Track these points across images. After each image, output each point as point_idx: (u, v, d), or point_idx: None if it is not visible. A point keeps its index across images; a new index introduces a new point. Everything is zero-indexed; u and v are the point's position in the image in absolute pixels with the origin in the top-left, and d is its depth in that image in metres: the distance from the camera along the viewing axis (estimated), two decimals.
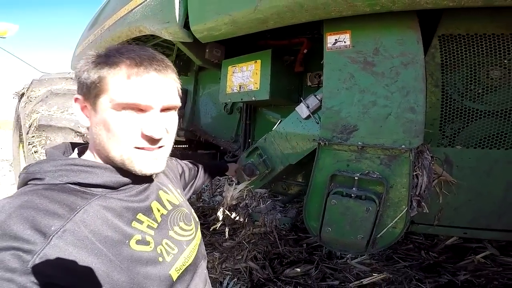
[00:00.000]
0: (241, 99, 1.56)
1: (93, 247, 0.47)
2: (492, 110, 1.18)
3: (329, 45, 1.26)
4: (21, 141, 2.01)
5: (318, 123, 1.37)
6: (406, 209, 1.13)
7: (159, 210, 0.63)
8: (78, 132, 1.43)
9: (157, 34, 1.63)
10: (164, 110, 0.60)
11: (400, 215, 1.14)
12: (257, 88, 1.49)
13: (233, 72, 1.61)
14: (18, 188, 0.54)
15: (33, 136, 1.42)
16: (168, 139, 0.62)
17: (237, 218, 1.29)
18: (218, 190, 1.40)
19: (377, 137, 1.16)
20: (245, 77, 1.55)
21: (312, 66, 1.58)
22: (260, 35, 1.56)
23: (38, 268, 0.41)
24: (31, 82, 1.71)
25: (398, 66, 1.16)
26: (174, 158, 1.05)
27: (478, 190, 1.20)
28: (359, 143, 1.17)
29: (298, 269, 1.23)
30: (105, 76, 0.55)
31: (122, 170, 0.58)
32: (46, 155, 0.61)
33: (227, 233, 1.35)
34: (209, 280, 0.78)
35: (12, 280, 0.39)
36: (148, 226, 0.58)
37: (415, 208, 1.14)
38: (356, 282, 1.19)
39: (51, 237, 0.43)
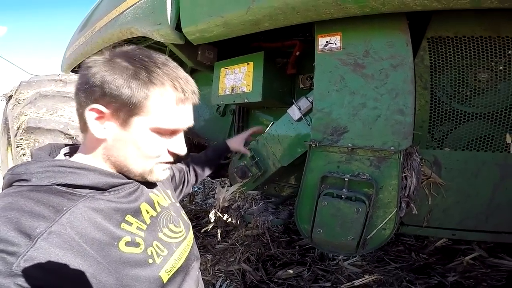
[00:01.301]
0: (234, 101, 1.56)
1: (80, 249, 0.46)
2: (480, 112, 1.19)
3: (320, 47, 1.27)
4: (9, 144, 1.98)
5: (309, 125, 1.38)
6: (395, 210, 1.14)
7: (148, 212, 0.63)
8: (67, 134, 1.42)
9: (149, 35, 1.62)
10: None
11: (390, 216, 1.14)
12: (249, 90, 1.49)
13: (226, 74, 1.61)
14: (3, 189, 0.53)
15: (21, 139, 1.40)
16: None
17: (229, 220, 1.29)
18: (212, 192, 1.40)
19: (366, 138, 1.17)
20: (238, 79, 1.55)
21: (304, 68, 1.59)
22: (253, 37, 1.56)
23: (23, 270, 0.40)
24: (20, 84, 1.69)
25: (388, 68, 1.17)
26: None
27: (466, 191, 1.21)
28: (349, 144, 1.18)
29: (291, 271, 1.24)
30: (149, 99, 0.54)
31: (112, 172, 0.58)
32: (31, 157, 0.60)
33: (219, 235, 1.34)
34: (202, 282, 0.77)
35: None
36: (138, 228, 0.57)
37: (404, 210, 1.15)
38: (347, 284, 1.20)
39: (36, 239, 0.43)
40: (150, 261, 0.56)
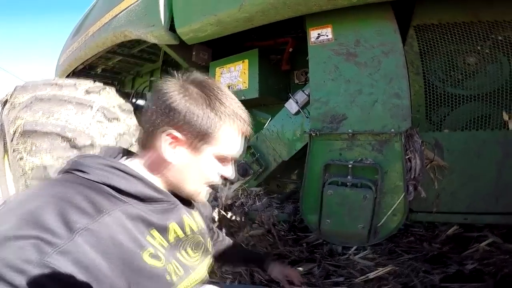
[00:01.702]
0: None
1: (108, 251, 0.47)
2: (473, 94, 1.21)
3: (312, 39, 1.30)
4: (5, 151, 1.90)
5: (308, 118, 1.37)
6: (403, 194, 1.10)
7: (175, 232, 0.64)
8: (64, 137, 1.36)
9: (143, 38, 1.64)
10: None
11: (399, 201, 1.11)
12: (246, 87, 1.49)
13: (221, 73, 1.62)
14: (62, 172, 0.57)
15: (17, 143, 1.34)
16: None
17: (234, 217, 1.22)
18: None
19: (366, 123, 1.17)
20: (233, 77, 1.56)
21: (298, 64, 1.62)
22: (245, 36, 1.59)
23: (54, 262, 0.41)
24: (15, 89, 1.65)
25: (379, 55, 1.20)
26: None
27: (470, 172, 1.19)
28: (349, 130, 1.17)
29: (301, 268, 1.15)
30: (221, 130, 0.60)
31: (157, 187, 0.61)
32: (100, 152, 0.64)
33: (224, 234, 1.27)
34: None
35: (24, 272, 0.39)
36: (160, 244, 0.58)
37: (412, 193, 1.12)
38: (362, 277, 1.12)
39: (75, 233, 0.44)
40: (168, 277, 0.57)
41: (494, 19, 1.12)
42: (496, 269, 1.19)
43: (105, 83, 1.82)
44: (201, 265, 0.70)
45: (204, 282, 0.72)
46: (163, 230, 0.60)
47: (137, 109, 1.73)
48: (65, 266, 0.41)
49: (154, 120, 0.58)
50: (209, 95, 0.59)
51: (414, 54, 1.26)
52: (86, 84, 1.74)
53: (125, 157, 0.66)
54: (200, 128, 0.57)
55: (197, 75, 0.63)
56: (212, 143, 0.59)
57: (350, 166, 1.14)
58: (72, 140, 1.34)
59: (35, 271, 0.39)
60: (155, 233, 0.58)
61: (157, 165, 0.62)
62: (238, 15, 1.29)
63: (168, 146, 0.58)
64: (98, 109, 1.54)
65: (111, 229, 0.49)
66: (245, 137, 0.65)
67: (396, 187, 1.11)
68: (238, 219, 1.23)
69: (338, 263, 1.23)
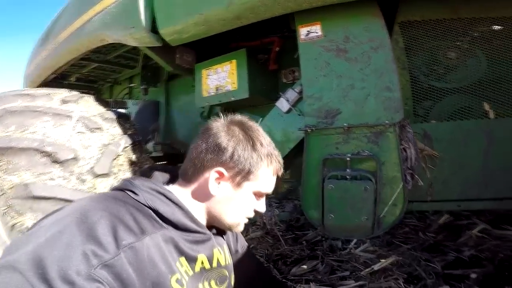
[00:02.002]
0: (220, 101, 1.51)
1: (144, 271, 0.51)
2: (455, 87, 1.28)
3: (302, 36, 1.31)
4: None
5: (299, 115, 1.36)
6: (402, 184, 1.12)
7: (203, 263, 0.66)
8: (44, 152, 1.22)
9: (122, 41, 1.55)
10: None
11: (398, 190, 1.12)
12: (235, 88, 1.46)
13: (208, 75, 1.57)
14: (115, 189, 0.62)
15: None
16: None
17: None
18: None
19: (360, 117, 1.18)
20: (221, 78, 1.52)
21: (285, 63, 1.62)
22: (230, 37, 1.57)
23: (98, 274, 0.44)
24: None
25: (369, 50, 1.23)
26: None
27: (459, 161, 1.25)
28: (345, 124, 1.18)
29: (305, 266, 1.12)
30: (261, 169, 0.66)
31: (195, 219, 0.64)
32: (153, 176, 0.68)
33: None
34: None
35: (71, 283, 0.42)
36: (185, 272, 0.61)
37: (410, 182, 1.14)
38: (367, 270, 1.11)
39: (121, 249, 0.48)
40: None
41: (472, 16, 1.20)
42: (492, 255, 1.25)
43: (81, 93, 1.68)
44: None
45: None
46: (191, 260, 0.63)
47: (119, 117, 1.61)
48: (107, 279, 0.45)
49: (204, 157, 0.65)
50: (251, 136, 0.66)
51: (400, 50, 1.31)
52: (62, 93, 1.59)
53: (171, 183, 0.71)
54: (244, 166, 0.64)
55: (238, 117, 0.71)
56: (252, 180, 0.65)
57: (348, 159, 1.14)
58: (52, 154, 1.22)
59: (82, 281, 0.42)
60: (183, 261, 0.61)
61: (200, 197, 0.67)
62: (226, 13, 1.27)
63: (214, 181, 0.64)
64: (78, 120, 1.41)
65: (150, 250, 0.53)
66: (277, 176, 0.71)
67: (394, 177, 1.12)
68: None
69: (341, 258, 1.22)
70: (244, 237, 1.41)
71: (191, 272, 0.63)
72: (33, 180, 1.16)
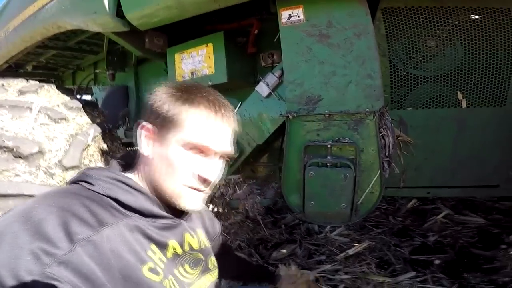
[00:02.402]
0: None
1: (108, 263, 0.48)
2: (432, 75, 1.31)
3: (283, 20, 1.25)
4: None
5: (279, 100, 1.34)
6: (379, 171, 1.14)
7: (174, 249, 0.63)
8: (4, 146, 1.11)
9: (83, 27, 1.43)
10: (221, 156, 0.63)
11: (375, 178, 1.15)
12: (212, 72, 1.40)
13: (182, 59, 1.48)
14: (70, 183, 0.59)
15: None
16: (213, 184, 0.64)
17: (216, 209, 1.14)
18: None
19: (341, 104, 1.18)
20: (197, 63, 1.45)
21: (264, 47, 1.57)
22: (206, 20, 1.48)
23: (55, 272, 0.42)
24: None
25: (352, 37, 1.21)
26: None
27: (431, 147, 1.30)
28: (326, 111, 1.17)
29: (284, 250, 1.15)
30: (184, 114, 0.57)
31: (160, 203, 0.61)
32: (109, 164, 0.65)
33: None
34: None
35: (26, 284, 0.40)
36: (160, 259, 0.59)
37: (387, 170, 1.17)
38: (342, 254, 1.16)
39: (75, 244, 0.45)
40: None
41: (455, 5, 1.21)
42: (454, 241, 1.36)
43: (40, 81, 1.55)
44: (199, 282, 0.69)
45: None
46: (162, 246, 0.60)
47: (86, 106, 1.51)
48: (66, 276, 0.42)
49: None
50: (180, 89, 0.60)
51: (381, 37, 1.30)
52: (17, 83, 1.46)
53: (131, 169, 0.65)
54: (164, 115, 0.57)
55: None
56: (177, 131, 0.57)
57: (329, 146, 1.14)
58: (14, 149, 1.10)
59: (37, 281, 0.41)
60: (154, 248, 0.58)
61: (141, 165, 0.62)
62: None
63: (144, 139, 0.59)
64: (39, 111, 1.29)
65: (112, 241, 0.50)
66: (226, 129, 0.61)
67: (373, 164, 1.15)
68: (220, 210, 1.16)
69: (318, 241, 1.27)
70: (225, 222, 1.42)
71: (164, 259, 0.60)
72: None
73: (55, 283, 0.42)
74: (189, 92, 0.59)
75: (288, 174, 1.19)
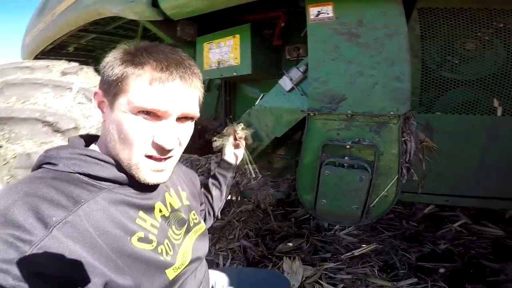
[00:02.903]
0: (221, 75, 1.49)
1: (92, 242, 0.46)
2: (468, 79, 1.24)
3: (312, 17, 1.24)
4: None
5: (302, 95, 1.35)
6: (397, 176, 1.14)
7: (161, 211, 0.63)
8: (45, 121, 1.26)
9: (121, 15, 1.51)
10: (180, 119, 0.57)
11: (392, 183, 1.14)
12: (237, 63, 1.43)
13: (210, 49, 1.53)
14: (33, 169, 0.55)
15: None
16: (179, 150, 0.60)
17: (229, 197, 1.21)
18: (200, 170, 1.32)
19: (365, 105, 1.16)
20: (224, 53, 1.48)
21: (290, 40, 1.57)
22: (235, 10, 1.51)
23: (34, 258, 0.40)
24: None
25: (383, 37, 1.17)
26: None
27: (457, 155, 1.25)
28: (348, 111, 1.17)
29: (290, 244, 1.20)
30: (128, 76, 0.53)
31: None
32: (68, 142, 0.60)
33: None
34: (207, 274, 0.78)
35: (8, 272, 0.38)
36: (152, 225, 0.58)
37: (406, 176, 1.16)
38: (347, 254, 1.19)
39: (51, 228, 0.43)
40: (161, 258, 0.57)
41: (502, 7, 1.13)
42: (465, 250, 1.32)
43: (79, 62, 1.69)
44: (184, 243, 0.68)
45: (201, 258, 0.73)
46: (149, 211, 0.59)
47: None
48: (47, 262, 0.40)
49: None
50: (127, 48, 0.56)
51: (415, 37, 1.25)
52: (61, 65, 1.62)
53: (94, 143, 0.62)
54: (111, 79, 0.53)
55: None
56: (123, 95, 0.52)
57: (348, 146, 1.15)
58: (53, 124, 1.25)
59: (18, 269, 0.39)
60: (143, 215, 0.57)
61: (103, 135, 0.58)
62: None
63: (96, 106, 0.58)
64: (78, 91, 1.43)
65: (92, 218, 0.48)
66: (174, 88, 0.53)
67: (391, 169, 1.14)
68: (233, 198, 1.22)
69: (325, 238, 1.30)
70: (236, 209, 1.49)
71: (157, 224, 0.59)
72: (35, 150, 1.20)
73: (35, 269, 0.40)
74: (136, 53, 0.54)
75: (304, 170, 1.21)
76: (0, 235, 0.40)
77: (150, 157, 0.54)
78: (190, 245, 0.69)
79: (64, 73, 1.55)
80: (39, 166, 0.54)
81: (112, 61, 0.55)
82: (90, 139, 0.63)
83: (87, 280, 0.44)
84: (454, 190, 1.29)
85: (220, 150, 1.09)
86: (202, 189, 1.02)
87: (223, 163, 1.07)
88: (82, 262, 0.43)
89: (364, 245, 1.27)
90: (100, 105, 0.58)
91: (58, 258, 0.41)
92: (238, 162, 1.11)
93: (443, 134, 1.25)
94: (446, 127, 1.25)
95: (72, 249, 0.43)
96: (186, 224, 0.70)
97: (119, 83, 0.53)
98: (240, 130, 1.04)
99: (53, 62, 1.67)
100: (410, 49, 1.24)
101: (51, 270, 0.41)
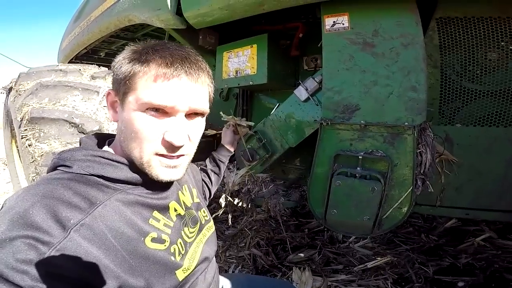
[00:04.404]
0: (238, 84, 1.53)
1: (108, 244, 0.47)
2: (490, 90, 1.19)
3: (327, 27, 1.25)
4: (13, 136, 1.93)
5: (317, 105, 1.36)
6: (411, 188, 1.11)
7: (176, 210, 0.63)
8: (72, 123, 1.37)
9: (148, 22, 1.59)
10: (190, 115, 0.57)
11: (406, 194, 1.12)
12: (254, 72, 1.47)
13: (229, 58, 1.58)
14: (48, 171, 0.55)
15: (25, 130, 1.36)
16: (191, 147, 0.60)
17: (240, 204, 1.24)
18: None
19: (379, 115, 1.15)
20: (241, 62, 1.53)
21: (308, 50, 1.58)
22: (254, 20, 1.55)
23: (53, 260, 0.41)
24: (19, 76, 1.66)
25: (398, 47, 1.16)
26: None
27: (478, 168, 1.20)
28: (362, 122, 1.16)
29: (302, 254, 1.20)
30: (135, 74, 0.54)
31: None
32: (80, 144, 0.61)
33: (230, 220, 1.29)
34: (217, 276, 0.77)
35: (26, 272, 0.39)
36: (165, 225, 0.58)
37: (420, 187, 1.12)
38: (360, 266, 1.16)
39: (69, 230, 0.43)
40: (172, 258, 0.57)
41: None
42: (487, 264, 1.24)
43: (109, 67, 1.82)
44: (196, 240, 0.68)
45: (209, 258, 0.72)
46: (164, 210, 0.59)
47: None
48: (65, 264, 0.41)
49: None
50: (135, 47, 0.57)
51: (434, 47, 1.22)
52: (91, 69, 1.74)
53: (106, 143, 0.64)
54: (120, 78, 0.54)
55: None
56: (132, 93, 0.53)
57: (360, 157, 1.14)
58: (79, 126, 1.35)
59: (36, 270, 0.39)
60: (157, 214, 0.57)
61: (117, 136, 0.59)
62: None
63: (110, 106, 0.58)
64: (104, 95, 1.54)
65: (107, 219, 0.48)
66: (181, 84, 0.54)
67: (405, 181, 1.11)
68: (244, 205, 1.25)
69: (338, 250, 1.27)
70: (248, 218, 1.51)
71: (171, 223, 0.59)
72: (61, 150, 1.30)
73: (54, 270, 0.40)
74: (143, 51, 0.55)
75: (315, 179, 1.22)
76: (20, 236, 0.40)
77: (161, 155, 0.55)
78: (201, 244, 0.69)
79: (93, 77, 1.66)
80: (54, 168, 0.54)
81: (121, 60, 0.56)
82: (102, 138, 0.64)
83: (102, 282, 0.45)
84: (475, 204, 1.23)
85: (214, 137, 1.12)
86: (202, 175, 1.07)
87: (222, 150, 1.18)
88: (97, 263, 0.44)
89: (379, 258, 1.24)
90: (112, 105, 0.59)
91: (75, 260, 0.42)
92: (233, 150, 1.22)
93: (464, 147, 1.20)
94: (467, 140, 1.20)
95: (88, 251, 0.44)
96: (199, 222, 0.71)
97: (127, 81, 0.53)
98: (240, 120, 1.10)
99: (85, 66, 1.80)
100: (428, 59, 1.22)
101: (68, 271, 0.42)
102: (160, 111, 0.53)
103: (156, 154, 0.54)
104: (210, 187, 1.09)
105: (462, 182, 1.22)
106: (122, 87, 0.55)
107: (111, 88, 0.58)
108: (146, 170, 0.56)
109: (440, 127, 1.22)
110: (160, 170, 0.56)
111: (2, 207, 0.47)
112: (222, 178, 1.15)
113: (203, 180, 1.06)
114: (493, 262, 1.25)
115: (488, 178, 1.20)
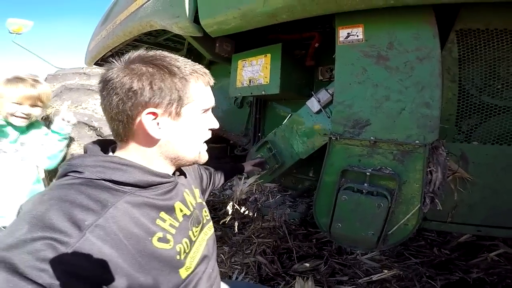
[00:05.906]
0: (251, 93, 1.55)
1: (119, 243, 0.50)
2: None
3: (341, 38, 1.24)
4: None
5: (329, 118, 1.36)
6: (418, 205, 1.11)
7: (182, 210, 0.67)
8: (91, 126, 1.47)
9: (168, 28, 1.64)
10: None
11: (413, 211, 1.11)
12: (267, 82, 1.48)
13: (243, 66, 1.60)
14: (58, 178, 0.58)
15: None
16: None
17: (246, 212, 1.29)
18: (228, 183, 1.41)
19: (390, 132, 1.14)
20: (255, 71, 1.55)
21: (323, 60, 1.56)
22: (270, 29, 1.55)
23: (70, 259, 0.43)
24: (46, 78, 1.79)
25: (413, 60, 1.13)
26: None
27: (494, 187, 1.16)
28: (372, 138, 1.16)
29: (307, 264, 1.23)
30: (189, 88, 0.62)
31: (153, 171, 0.62)
32: (86, 151, 0.64)
33: (236, 227, 1.35)
34: (218, 278, 0.80)
35: (45, 270, 0.42)
36: (170, 225, 0.61)
37: (428, 205, 1.12)
38: (365, 278, 1.18)
39: (85, 231, 0.46)
40: (177, 257, 0.60)
41: None
42: (499, 279, 1.21)
43: None
44: (199, 239, 0.72)
45: (209, 257, 0.76)
46: (170, 211, 0.63)
47: None
48: (81, 263, 0.44)
49: (124, 109, 0.58)
50: (161, 65, 0.60)
51: (452, 60, 1.17)
52: None
53: (111, 150, 0.67)
54: (172, 95, 0.59)
55: (134, 53, 0.63)
56: (188, 103, 0.63)
57: (368, 174, 1.14)
58: (98, 129, 1.44)
59: (54, 269, 0.42)
60: (163, 215, 0.61)
61: (149, 145, 0.62)
62: (261, 9, 1.24)
63: (151, 123, 0.59)
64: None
65: (118, 221, 0.52)
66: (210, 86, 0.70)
67: (413, 198, 1.11)
68: (250, 214, 1.30)
69: (345, 262, 1.29)
70: (256, 225, 1.56)
71: (176, 223, 0.63)
72: (79, 151, 1.41)
73: (71, 269, 0.43)
74: (176, 65, 0.62)
75: (321, 192, 1.24)
76: (40, 238, 0.43)
77: (205, 142, 0.70)
78: (203, 242, 0.74)
79: None
80: (64, 174, 0.57)
81: (161, 79, 0.59)
82: (104, 144, 0.68)
83: (113, 279, 0.48)
84: (488, 221, 1.20)
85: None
86: (221, 174, 1.21)
87: (240, 167, 1.35)
88: (110, 262, 0.47)
89: (386, 271, 1.24)
90: (156, 125, 0.61)
91: (90, 259, 0.45)
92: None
93: (480, 165, 1.16)
94: (484, 158, 1.15)
95: (102, 251, 0.47)
96: (202, 221, 0.75)
97: (183, 95, 0.61)
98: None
99: None
100: (445, 73, 1.17)
101: (84, 270, 0.44)
102: (206, 110, 0.68)
103: (204, 142, 0.70)
104: (210, 178, 1.14)
105: (476, 200, 1.19)
106: (174, 101, 0.60)
107: (148, 107, 0.58)
108: (199, 160, 0.69)
109: (456, 144, 1.18)
110: (205, 154, 0.71)
111: (19, 212, 0.52)
112: (222, 179, 1.24)
113: (203, 173, 1.10)
114: (505, 277, 1.21)
115: (503, 197, 1.15)
